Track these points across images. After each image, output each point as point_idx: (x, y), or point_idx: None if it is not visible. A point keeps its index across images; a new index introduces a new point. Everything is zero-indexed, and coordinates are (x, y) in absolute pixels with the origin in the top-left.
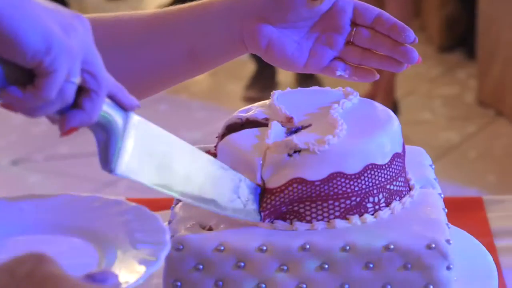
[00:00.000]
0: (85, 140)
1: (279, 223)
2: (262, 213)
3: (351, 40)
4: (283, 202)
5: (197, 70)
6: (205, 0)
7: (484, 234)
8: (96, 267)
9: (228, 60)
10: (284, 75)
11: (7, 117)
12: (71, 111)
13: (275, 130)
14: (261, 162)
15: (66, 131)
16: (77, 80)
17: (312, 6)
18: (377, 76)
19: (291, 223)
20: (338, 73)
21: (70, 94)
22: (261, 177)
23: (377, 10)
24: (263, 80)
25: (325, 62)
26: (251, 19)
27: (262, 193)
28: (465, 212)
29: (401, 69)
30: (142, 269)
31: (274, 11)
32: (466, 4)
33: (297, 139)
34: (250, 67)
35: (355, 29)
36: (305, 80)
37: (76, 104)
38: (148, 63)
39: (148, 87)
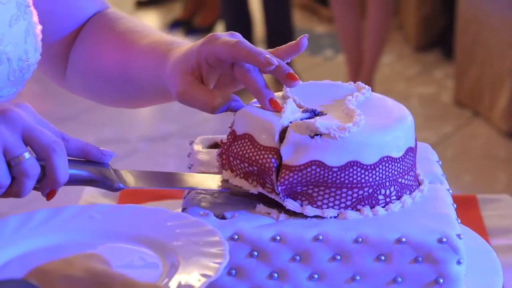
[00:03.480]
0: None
1: (290, 202)
2: (279, 187)
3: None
4: (299, 181)
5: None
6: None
7: (479, 232)
8: (160, 276)
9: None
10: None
11: None
12: (42, 181)
13: (291, 105)
14: (280, 123)
15: (46, 196)
16: (26, 155)
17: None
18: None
19: (301, 205)
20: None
21: (29, 168)
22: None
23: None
24: None
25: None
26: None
27: (279, 168)
28: (459, 210)
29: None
30: (202, 279)
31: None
32: (444, 3)
33: (319, 123)
34: None
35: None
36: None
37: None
38: (128, 94)
39: (138, 105)
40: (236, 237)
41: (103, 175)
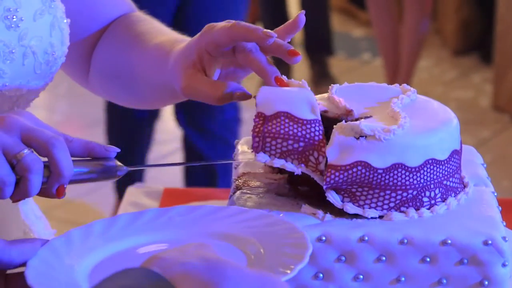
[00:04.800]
0: None
1: (332, 194)
2: (325, 186)
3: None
4: (344, 181)
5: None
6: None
7: None
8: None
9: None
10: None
11: None
12: (49, 179)
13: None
14: (312, 96)
15: (56, 193)
16: (25, 151)
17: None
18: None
19: (342, 201)
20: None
21: (31, 162)
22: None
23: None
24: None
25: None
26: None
27: (325, 167)
28: (503, 213)
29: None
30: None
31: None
32: (483, 8)
33: (364, 125)
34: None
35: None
36: (320, 79)
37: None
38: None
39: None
40: None
41: (105, 165)
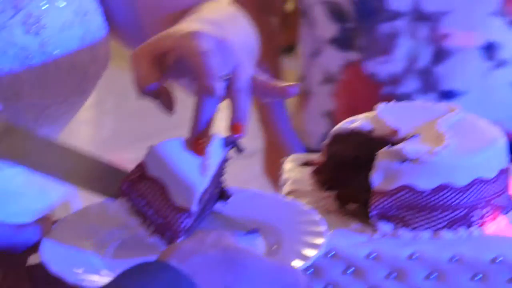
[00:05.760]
0: None
1: (383, 225)
2: (372, 212)
3: None
4: (391, 206)
5: None
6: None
7: None
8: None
9: None
10: None
11: None
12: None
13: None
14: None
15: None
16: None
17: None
18: None
19: (395, 228)
20: None
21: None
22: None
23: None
24: None
25: None
26: None
27: (371, 194)
28: None
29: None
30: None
31: None
32: None
33: (408, 149)
34: None
35: None
36: None
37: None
38: None
39: None
40: (332, 253)
41: None
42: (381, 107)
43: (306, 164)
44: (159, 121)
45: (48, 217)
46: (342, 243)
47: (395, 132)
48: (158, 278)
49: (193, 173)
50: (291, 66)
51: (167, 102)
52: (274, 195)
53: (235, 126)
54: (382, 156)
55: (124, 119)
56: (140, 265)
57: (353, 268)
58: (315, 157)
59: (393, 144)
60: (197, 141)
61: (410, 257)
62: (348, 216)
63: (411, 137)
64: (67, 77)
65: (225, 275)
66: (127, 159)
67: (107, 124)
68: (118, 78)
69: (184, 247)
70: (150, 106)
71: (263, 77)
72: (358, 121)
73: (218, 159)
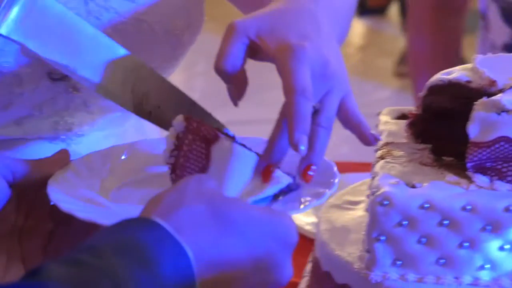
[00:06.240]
0: None
1: (479, 178)
2: (468, 163)
3: None
4: (488, 158)
5: None
6: None
7: None
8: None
9: None
10: None
11: None
12: None
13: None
14: None
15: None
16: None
17: None
18: None
19: (491, 181)
20: None
21: None
22: None
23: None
24: None
25: None
26: None
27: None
28: None
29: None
30: (307, 199)
31: None
32: None
33: (505, 100)
34: (400, 43)
35: None
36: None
37: None
38: None
39: None
40: (427, 205)
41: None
42: (479, 57)
43: (402, 116)
44: (249, 83)
45: (66, 151)
46: (438, 195)
47: (493, 82)
48: (143, 237)
49: (239, 186)
50: (383, 27)
51: (238, 90)
52: None
53: (306, 171)
54: (479, 107)
55: (214, 82)
56: (123, 221)
57: (448, 221)
58: (411, 109)
59: (490, 95)
60: (267, 167)
61: (506, 209)
62: (443, 168)
63: (509, 88)
64: (162, 44)
65: (212, 230)
66: None
67: (198, 86)
68: (210, 40)
69: (167, 199)
70: None
71: (351, 102)
72: (454, 73)
73: (272, 192)
